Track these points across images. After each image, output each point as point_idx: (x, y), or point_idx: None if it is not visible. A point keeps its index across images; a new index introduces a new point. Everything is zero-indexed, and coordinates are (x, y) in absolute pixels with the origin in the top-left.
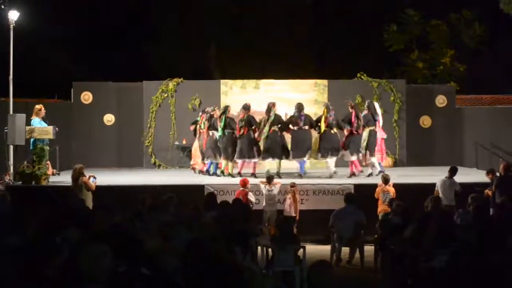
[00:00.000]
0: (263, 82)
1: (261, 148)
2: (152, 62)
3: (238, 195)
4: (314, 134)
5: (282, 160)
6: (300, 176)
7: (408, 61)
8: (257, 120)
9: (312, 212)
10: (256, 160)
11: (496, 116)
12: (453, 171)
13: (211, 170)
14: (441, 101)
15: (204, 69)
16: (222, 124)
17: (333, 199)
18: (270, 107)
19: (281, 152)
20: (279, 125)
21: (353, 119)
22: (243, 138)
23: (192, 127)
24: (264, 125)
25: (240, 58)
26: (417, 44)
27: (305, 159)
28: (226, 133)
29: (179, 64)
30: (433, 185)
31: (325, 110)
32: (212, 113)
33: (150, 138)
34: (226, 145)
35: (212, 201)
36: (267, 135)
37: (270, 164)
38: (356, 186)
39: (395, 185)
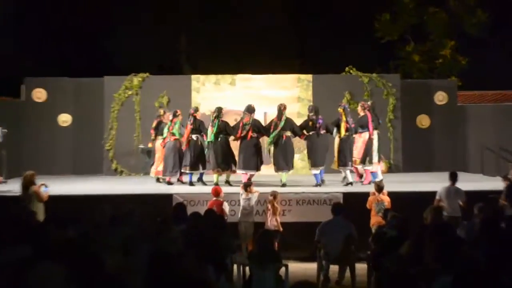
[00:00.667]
0: (240, 77)
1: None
2: (114, 55)
3: (211, 206)
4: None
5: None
6: (319, 185)
7: (403, 54)
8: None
9: (296, 224)
10: (259, 171)
11: (503, 115)
12: (454, 177)
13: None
14: (440, 98)
15: (173, 63)
16: (215, 128)
17: (319, 210)
18: (281, 110)
19: (293, 161)
20: (292, 131)
21: (370, 123)
22: (247, 145)
23: (153, 131)
24: (274, 130)
25: (213, 51)
26: (413, 34)
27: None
28: (220, 139)
29: (144, 57)
30: (433, 193)
31: (343, 113)
32: (195, 114)
33: (111, 141)
34: (220, 153)
35: (181, 212)
36: (277, 142)
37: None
38: (346, 195)
39: (390, 194)
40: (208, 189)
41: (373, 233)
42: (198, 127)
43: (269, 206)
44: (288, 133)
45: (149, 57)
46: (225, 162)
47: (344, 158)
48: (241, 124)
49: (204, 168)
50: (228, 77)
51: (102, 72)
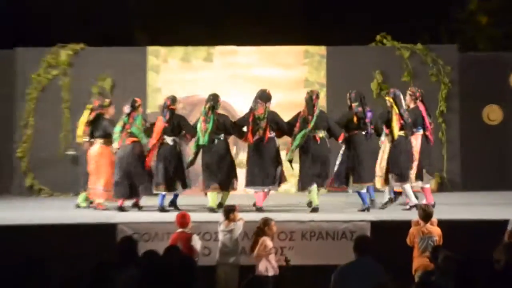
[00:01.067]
0: (219, 50)
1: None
2: (32, 16)
3: (174, 241)
4: None
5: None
6: (368, 209)
7: (462, 15)
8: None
9: (301, 269)
10: (276, 188)
11: None
12: None
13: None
14: None
15: (121, 30)
16: (210, 125)
17: (335, 248)
18: (313, 100)
19: (327, 176)
20: (329, 130)
21: (425, 118)
22: (263, 149)
23: (86, 129)
24: (302, 130)
25: (180, 12)
26: None
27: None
28: (217, 141)
29: (78, 20)
30: (505, 222)
31: (394, 104)
32: (172, 106)
33: (25, 145)
34: (217, 162)
35: (130, 250)
36: (304, 146)
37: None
38: (375, 225)
39: (442, 224)
40: (171, 216)
41: (417, 282)
42: (178, 126)
43: (261, 241)
44: (322, 134)
45: (85, 20)
46: (227, 176)
47: (399, 169)
48: (250, 119)
49: (184, 187)
50: (201, 50)
51: (13, 41)
